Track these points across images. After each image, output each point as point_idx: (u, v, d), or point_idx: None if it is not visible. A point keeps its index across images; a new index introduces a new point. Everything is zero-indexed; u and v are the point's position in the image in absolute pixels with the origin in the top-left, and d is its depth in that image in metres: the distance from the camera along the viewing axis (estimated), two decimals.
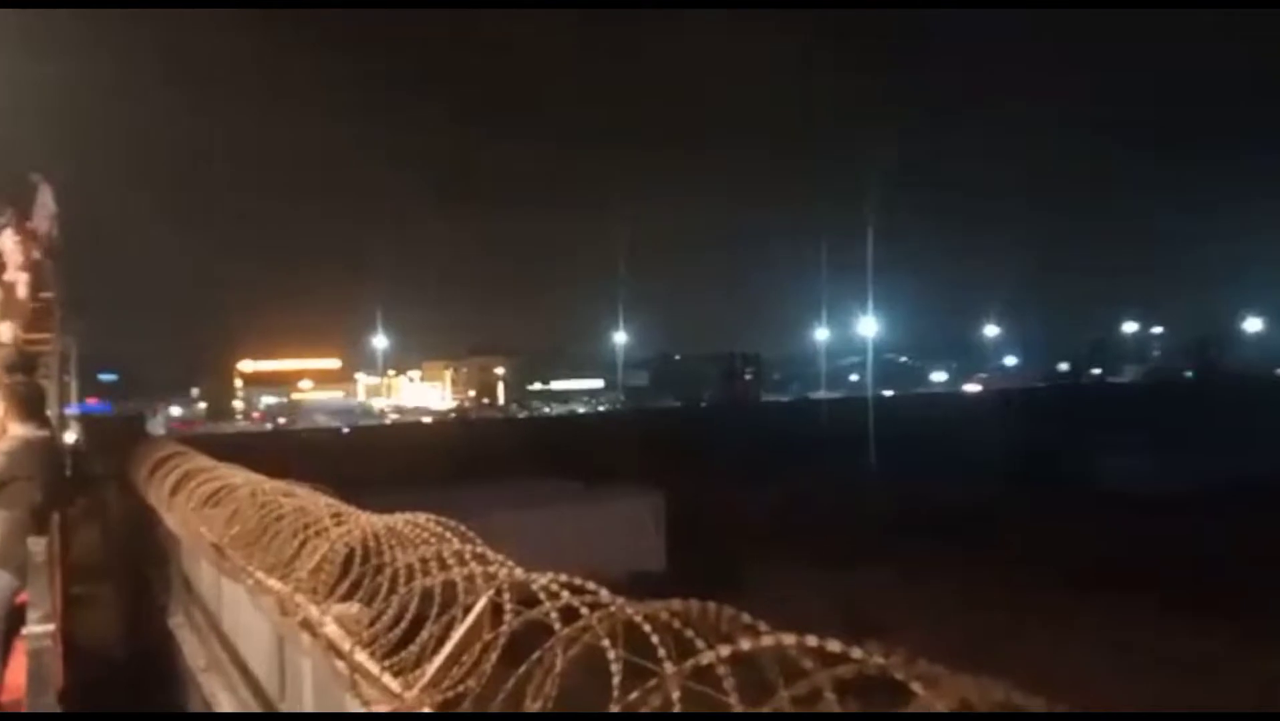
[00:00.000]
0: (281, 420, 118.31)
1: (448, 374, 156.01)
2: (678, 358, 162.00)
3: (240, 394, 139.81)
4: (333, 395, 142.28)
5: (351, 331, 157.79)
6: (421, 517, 4.84)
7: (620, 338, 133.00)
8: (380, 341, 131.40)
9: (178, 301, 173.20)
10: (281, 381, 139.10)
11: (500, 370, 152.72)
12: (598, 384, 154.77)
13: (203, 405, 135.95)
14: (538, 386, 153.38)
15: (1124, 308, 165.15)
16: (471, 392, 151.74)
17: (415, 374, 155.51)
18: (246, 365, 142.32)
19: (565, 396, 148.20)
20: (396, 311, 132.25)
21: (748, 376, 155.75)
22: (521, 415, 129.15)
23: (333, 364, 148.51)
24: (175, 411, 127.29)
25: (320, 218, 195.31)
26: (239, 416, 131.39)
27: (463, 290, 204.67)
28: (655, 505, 27.64)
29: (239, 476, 9.14)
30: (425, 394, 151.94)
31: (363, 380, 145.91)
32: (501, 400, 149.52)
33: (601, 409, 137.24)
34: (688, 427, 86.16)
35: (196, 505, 9.09)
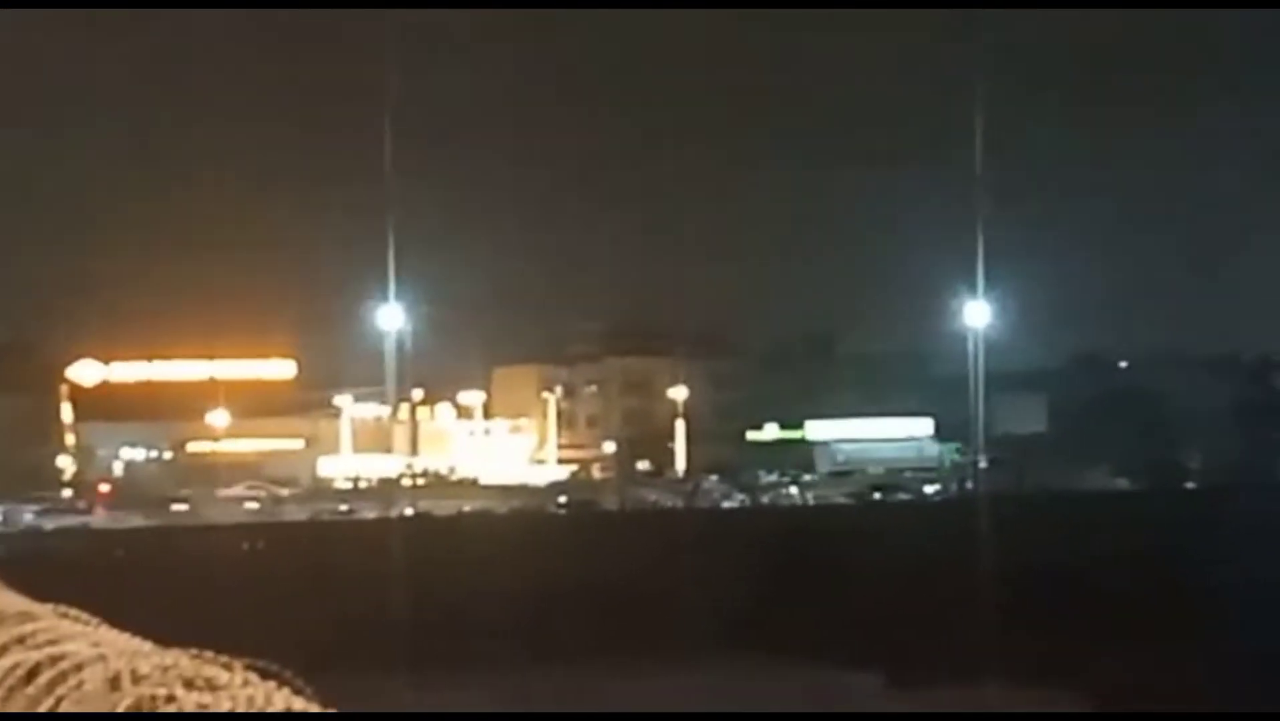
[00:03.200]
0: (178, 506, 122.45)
1: (552, 398, 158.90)
2: (1124, 365, 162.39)
3: (73, 436, 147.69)
4: (280, 443, 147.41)
5: (319, 306, 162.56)
6: None
7: (977, 316, 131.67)
8: (391, 319, 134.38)
9: None
10: (165, 408, 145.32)
11: (680, 391, 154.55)
12: (919, 425, 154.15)
13: None
14: (772, 434, 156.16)
15: None
16: (608, 446, 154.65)
17: (473, 395, 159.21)
18: (87, 371, 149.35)
19: (846, 456, 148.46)
20: (420, 259, 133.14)
21: None
22: (731, 502, 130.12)
23: (278, 370, 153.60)
24: None
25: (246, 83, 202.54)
26: (67, 488, 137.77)
27: (569, 221, 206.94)
28: None
29: (84, 640, 10.30)
30: (501, 445, 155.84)
31: (349, 410, 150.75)
32: (682, 460, 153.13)
33: (931, 489, 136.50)
34: (1159, 541, 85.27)
35: None
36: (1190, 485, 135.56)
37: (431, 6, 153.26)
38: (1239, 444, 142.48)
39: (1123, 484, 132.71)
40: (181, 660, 9.18)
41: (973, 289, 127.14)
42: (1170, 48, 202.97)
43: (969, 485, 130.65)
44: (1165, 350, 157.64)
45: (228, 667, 8.92)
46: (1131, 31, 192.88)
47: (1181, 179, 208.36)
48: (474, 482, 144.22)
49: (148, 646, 10.15)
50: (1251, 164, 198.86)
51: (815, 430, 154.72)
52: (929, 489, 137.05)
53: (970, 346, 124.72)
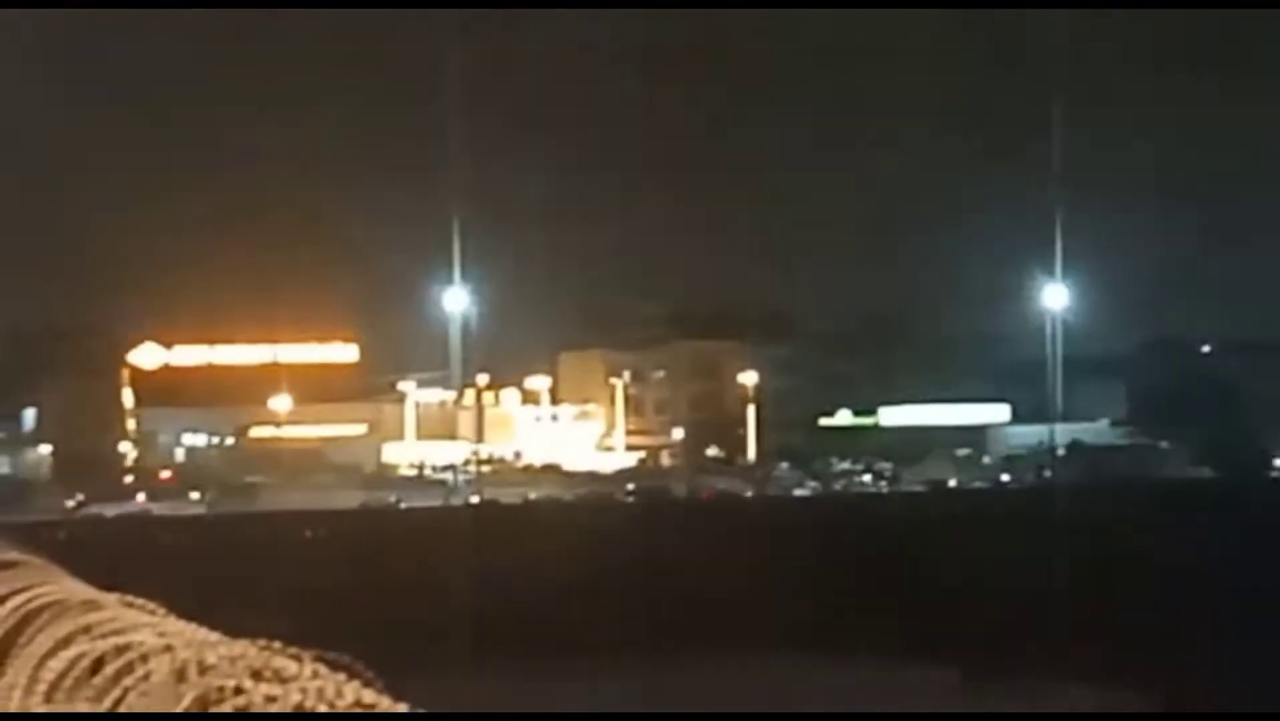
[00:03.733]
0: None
1: (620, 383, 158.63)
2: (1207, 349, 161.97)
3: (134, 422, 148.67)
4: (343, 429, 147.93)
5: (382, 289, 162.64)
6: None
7: (1055, 299, 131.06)
8: (456, 301, 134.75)
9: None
10: (226, 393, 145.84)
11: (750, 376, 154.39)
12: (995, 412, 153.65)
13: (45, 448, 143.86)
14: (844, 419, 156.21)
15: None
16: (677, 433, 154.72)
17: (540, 380, 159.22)
18: (149, 356, 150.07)
19: (919, 442, 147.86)
20: (485, 242, 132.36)
21: None
22: (803, 490, 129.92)
23: (341, 354, 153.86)
24: None
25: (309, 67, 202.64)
26: (128, 474, 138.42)
27: (636, 204, 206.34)
28: None
29: (150, 630, 10.28)
30: (568, 431, 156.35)
31: (414, 395, 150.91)
32: (752, 446, 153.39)
33: (1004, 479, 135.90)
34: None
35: (55, 692, 9.96)
36: (1273, 473, 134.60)
37: (478, 7, 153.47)
38: None
39: (1204, 472, 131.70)
40: (249, 651, 9.13)
41: (1048, 274, 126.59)
42: (1245, 38, 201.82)
43: (1045, 472, 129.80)
44: (1248, 334, 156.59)
45: (296, 659, 8.87)
46: (1211, 18, 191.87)
47: (1264, 163, 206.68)
48: (541, 469, 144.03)
49: (215, 637, 10.07)
50: None
51: (889, 416, 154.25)
52: (1003, 478, 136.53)
53: (1048, 330, 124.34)
